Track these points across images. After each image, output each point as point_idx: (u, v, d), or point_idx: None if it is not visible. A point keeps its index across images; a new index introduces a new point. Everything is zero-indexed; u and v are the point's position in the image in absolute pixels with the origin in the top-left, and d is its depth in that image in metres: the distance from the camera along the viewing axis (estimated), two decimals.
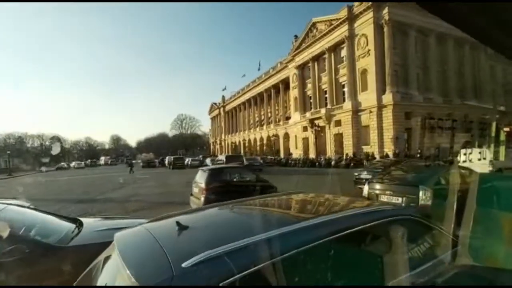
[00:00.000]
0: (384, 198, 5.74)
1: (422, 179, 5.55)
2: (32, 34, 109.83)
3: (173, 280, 1.13)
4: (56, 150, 53.81)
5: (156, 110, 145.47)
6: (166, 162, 38.65)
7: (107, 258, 1.64)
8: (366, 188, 6.25)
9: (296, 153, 40.52)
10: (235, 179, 7.67)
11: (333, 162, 25.51)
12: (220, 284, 1.13)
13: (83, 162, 56.23)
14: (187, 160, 37.37)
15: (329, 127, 34.61)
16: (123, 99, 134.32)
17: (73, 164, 55.26)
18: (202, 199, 6.83)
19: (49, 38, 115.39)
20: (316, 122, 35.59)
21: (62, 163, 54.16)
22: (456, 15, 0.68)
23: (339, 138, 33.39)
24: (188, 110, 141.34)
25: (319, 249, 1.45)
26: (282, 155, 43.79)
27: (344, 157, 28.12)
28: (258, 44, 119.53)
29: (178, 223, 1.57)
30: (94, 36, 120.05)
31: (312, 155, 35.03)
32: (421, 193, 5.10)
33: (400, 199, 5.50)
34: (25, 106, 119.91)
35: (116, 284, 1.39)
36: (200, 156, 40.11)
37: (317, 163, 27.46)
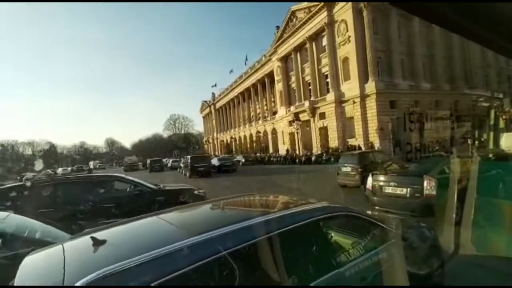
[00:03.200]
0: (388, 190, 5.68)
1: (426, 169, 5.49)
2: (22, 40, 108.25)
3: None
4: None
5: (151, 111, 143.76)
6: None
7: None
8: (369, 180, 6.12)
9: (284, 148, 39.02)
10: (373, 160, 9.97)
11: (313, 158, 23.86)
12: None
13: (69, 168, 54.83)
14: (168, 162, 36.02)
15: (314, 120, 33.01)
16: (116, 102, 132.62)
17: (59, 170, 53.84)
18: (358, 176, 9.44)
19: (39, 43, 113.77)
20: (301, 115, 34.03)
21: (47, 170, 52.69)
22: (439, 15, 0.68)
23: (324, 131, 31.82)
24: (182, 110, 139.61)
25: (248, 250, 1.47)
26: (271, 151, 42.29)
27: (323, 151, 26.53)
28: (246, 37, 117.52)
29: (93, 238, 1.56)
30: (83, 39, 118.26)
31: (300, 150, 33.48)
32: (425, 182, 5.01)
33: (404, 190, 5.40)
34: (15, 113, 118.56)
35: None
36: (183, 157, 38.88)
37: (297, 160, 25.85)
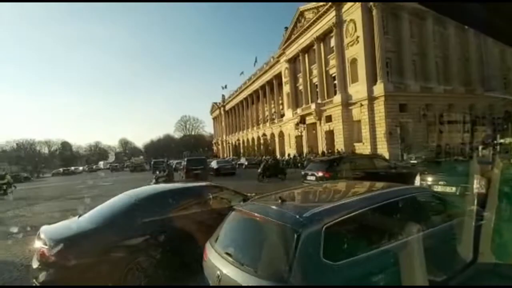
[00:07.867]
0: (438, 188, 5.80)
1: (475, 169, 5.60)
2: (38, 41, 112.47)
3: (301, 222, 2.04)
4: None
5: (163, 112, 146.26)
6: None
7: (235, 219, 2.70)
8: (417, 179, 6.50)
9: (290, 152, 38.07)
10: None
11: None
12: (325, 225, 2.02)
13: (80, 167, 56.01)
14: (173, 163, 35.89)
15: (320, 123, 31.99)
16: (130, 104, 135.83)
17: (72, 169, 55.18)
18: None
19: (54, 46, 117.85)
20: (307, 118, 33.09)
21: (58, 170, 54.09)
22: (466, 13, 0.67)
23: (330, 135, 30.74)
24: (194, 111, 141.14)
25: (382, 209, 2.46)
26: (278, 154, 41.41)
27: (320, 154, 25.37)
28: (257, 38, 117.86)
29: (280, 198, 2.51)
30: (95, 42, 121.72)
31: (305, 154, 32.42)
32: (476, 181, 5.07)
33: (454, 188, 5.63)
34: (32, 113, 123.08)
35: (252, 230, 2.51)
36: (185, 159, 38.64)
37: (299, 164, 24.86)
